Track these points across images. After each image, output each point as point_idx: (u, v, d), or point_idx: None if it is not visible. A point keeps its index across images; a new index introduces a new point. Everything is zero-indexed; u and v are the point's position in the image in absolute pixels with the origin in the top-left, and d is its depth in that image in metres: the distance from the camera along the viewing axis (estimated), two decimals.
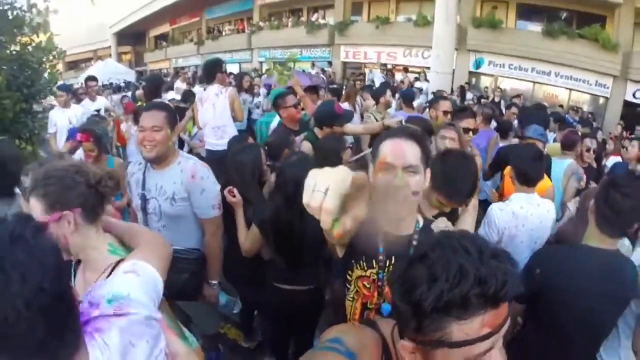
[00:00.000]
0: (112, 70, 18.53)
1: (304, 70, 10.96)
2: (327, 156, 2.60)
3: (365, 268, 1.36)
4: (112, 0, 24.75)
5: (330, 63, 15.42)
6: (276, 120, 3.76)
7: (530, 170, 2.38)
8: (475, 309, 0.67)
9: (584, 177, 3.36)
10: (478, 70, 13.45)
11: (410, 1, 14.75)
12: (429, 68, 11.81)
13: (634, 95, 11.81)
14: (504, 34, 12.73)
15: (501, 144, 4.18)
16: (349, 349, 0.83)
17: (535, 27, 12.68)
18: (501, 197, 2.91)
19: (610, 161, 5.34)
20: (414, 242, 1.31)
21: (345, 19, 16.01)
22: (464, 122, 2.92)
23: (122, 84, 15.11)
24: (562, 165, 3.35)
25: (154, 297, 1.07)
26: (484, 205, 2.80)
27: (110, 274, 1.14)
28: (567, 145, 3.54)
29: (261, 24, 19.04)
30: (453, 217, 1.91)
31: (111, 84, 15.21)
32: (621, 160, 4.67)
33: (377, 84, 9.21)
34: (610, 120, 11.40)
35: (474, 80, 13.56)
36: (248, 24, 20.41)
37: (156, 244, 1.31)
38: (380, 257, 1.33)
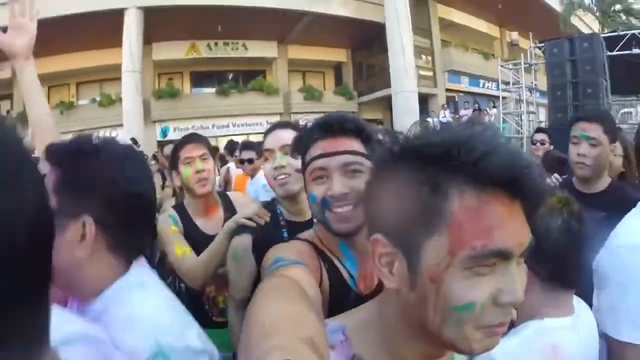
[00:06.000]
0: None
1: None
2: None
3: None
4: None
5: None
6: None
7: None
8: (319, 133, 0.92)
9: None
10: (166, 139, 13.45)
11: (90, 83, 14.58)
12: None
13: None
14: (183, 100, 14.30)
15: None
16: (293, 259, 0.86)
17: (210, 90, 14.91)
18: None
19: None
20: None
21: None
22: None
23: None
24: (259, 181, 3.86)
25: None
26: None
27: None
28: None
29: None
30: None
31: None
32: None
33: None
34: None
35: (163, 149, 12.78)
36: None
37: None
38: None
